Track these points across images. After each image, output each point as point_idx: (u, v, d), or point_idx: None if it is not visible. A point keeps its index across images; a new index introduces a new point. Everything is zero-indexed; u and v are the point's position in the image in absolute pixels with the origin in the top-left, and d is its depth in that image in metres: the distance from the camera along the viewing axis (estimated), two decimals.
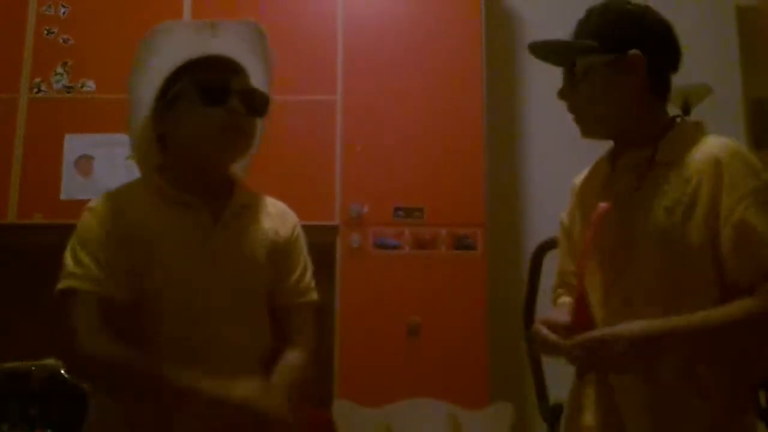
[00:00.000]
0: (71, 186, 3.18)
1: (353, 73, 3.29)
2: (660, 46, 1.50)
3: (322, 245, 1.85)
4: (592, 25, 1.48)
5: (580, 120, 1.50)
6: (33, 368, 2.36)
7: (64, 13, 3.35)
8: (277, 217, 1.50)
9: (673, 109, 1.52)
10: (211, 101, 1.36)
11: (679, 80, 3.86)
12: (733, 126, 3.62)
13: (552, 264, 2.37)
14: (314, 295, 1.50)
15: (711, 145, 1.40)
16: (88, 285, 1.31)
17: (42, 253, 3.07)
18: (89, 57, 3.30)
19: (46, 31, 3.32)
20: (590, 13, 1.51)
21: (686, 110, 3.49)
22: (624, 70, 1.43)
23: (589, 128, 1.50)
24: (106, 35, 3.32)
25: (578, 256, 1.46)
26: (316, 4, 3.38)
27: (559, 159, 3.63)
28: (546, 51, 1.54)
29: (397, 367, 3.02)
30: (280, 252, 1.46)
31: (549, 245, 2.36)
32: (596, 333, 1.27)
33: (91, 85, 3.28)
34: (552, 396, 2.39)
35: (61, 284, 1.33)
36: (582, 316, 1.31)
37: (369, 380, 2.98)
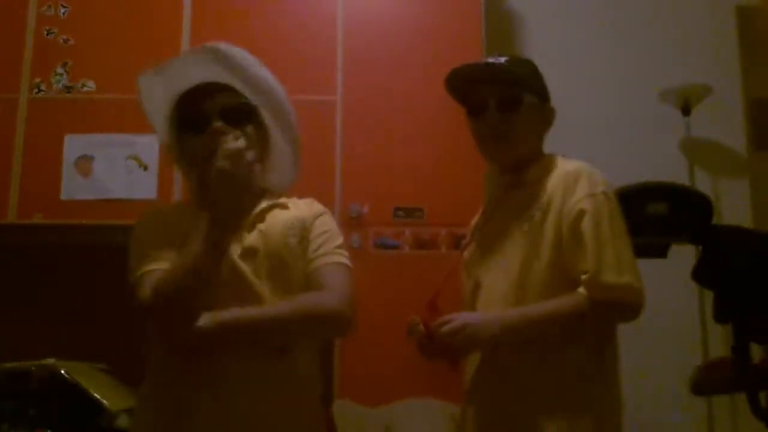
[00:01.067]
0: (71, 186, 3.18)
1: (353, 73, 3.29)
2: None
3: None
4: (523, 71, 1.71)
5: (510, 145, 1.69)
6: (33, 368, 2.35)
7: (64, 13, 3.35)
8: (304, 206, 1.58)
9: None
10: (194, 130, 1.44)
11: (679, 80, 3.87)
12: (733, 126, 3.62)
13: None
14: (340, 259, 1.54)
15: (567, 164, 1.65)
16: (160, 265, 1.38)
17: (42, 253, 3.08)
18: (89, 57, 3.30)
19: (46, 31, 3.32)
20: (517, 61, 1.75)
21: (686, 110, 3.50)
22: (544, 117, 1.73)
23: (511, 154, 1.69)
24: (106, 35, 3.32)
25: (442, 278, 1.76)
26: (316, 4, 3.38)
27: None
28: (498, 76, 1.71)
29: (398, 367, 3.01)
30: (306, 233, 1.52)
31: None
32: (458, 320, 1.58)
33: (91, 85, 3.28)
34: None
35: (139, 271, 1.40)
36: (434, 314, 1.67)
37: (369, 380, 2.98)
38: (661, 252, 2.21)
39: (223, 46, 1.51)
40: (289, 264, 1.47)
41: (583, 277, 1.49)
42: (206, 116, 1.43)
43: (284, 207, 1.55)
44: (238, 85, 1.50)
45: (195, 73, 1.49)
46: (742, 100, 3.64)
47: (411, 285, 3.11)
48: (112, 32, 3.31)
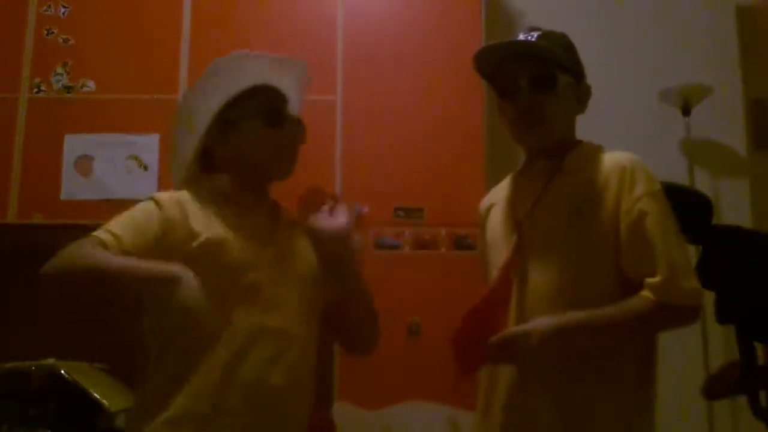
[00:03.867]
0: (71, 186, 3.18)
1: (353, 73, 3.29)
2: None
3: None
4: (558, 48, 1.57)
5: (545, 128, 1.56)
6: (33, 368, 2.36)
7: (64, 13, 3.35)
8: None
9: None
10: (274, 124, 1.53)
11: (679, 80, 3.87)
12: (733, 126, 3.62)
13: None
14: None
15: (617, 156, 1.54)
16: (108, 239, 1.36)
17: (42, 253, 3.07)
18: (89, 57, 3.30)
19: (46, 31, 3.32)
20: (550, 35, 1.59)
21: (686, 110, 3.50)
22: (579, 97, 1.62)
23: (547, 138, 1.57)
24: (106, 35, 3.32)
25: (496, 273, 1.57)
26: (316, 4, 3.38)
27: None
28: (529, 53, 1.57)
29: (398, 367, 3.01)
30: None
31: None
32: (509, 331, 1.43)
33: (91, 85, 3.28)
34: None
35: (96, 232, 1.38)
36: (492, 318, 1.48)
37: (369, 381, 2.98)
38: None
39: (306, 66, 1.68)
40: (313, 275, 1.53)
41: (651, 280, 1.39)
42: (282, 117, 1.55)
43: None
44: (296, 104, 1.64)
45: (276, 76, 1.60)
46: (742, 100, 3.64)
47: (411, 285, 3.11)
48: (112, 32, 3.31)
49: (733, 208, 3.50)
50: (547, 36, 1.58)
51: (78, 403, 2.30)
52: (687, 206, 2.16)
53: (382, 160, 3.21)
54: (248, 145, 1.52)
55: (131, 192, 3.04)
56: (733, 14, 3.71)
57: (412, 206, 3.18)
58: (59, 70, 3.29)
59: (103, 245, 1.33)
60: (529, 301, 1.48)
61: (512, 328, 1.44)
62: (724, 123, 3.62)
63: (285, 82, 1.60)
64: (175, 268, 1.28)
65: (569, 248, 1.47)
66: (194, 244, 1.38)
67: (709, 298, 2.73)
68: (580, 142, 1.62)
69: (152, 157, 3.10)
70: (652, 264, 1.40)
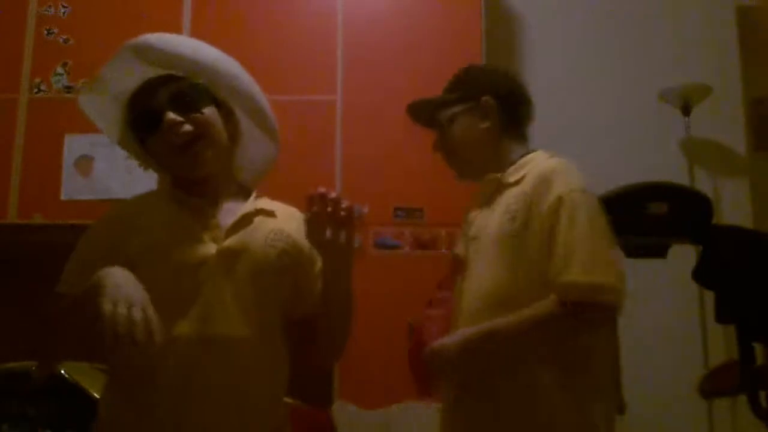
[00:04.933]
0: (71, 186, 3.18)
1: (353, 73, 3.29)
2: (510, 93, 1.74)
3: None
4: (453, 83, 1.76)
5: (453, 165, 1.76)
6: (33, 368, 2.35)
7: (64, 13, 3.35)
8: (295, 223, 1.49)
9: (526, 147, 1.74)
10: (149, 131, 1.41)
11: (679, 80, 3.87)
12: (733, 126, 3.62)
13: None
14: None
15: (543, 163, 1.59)
16: (67, 289, 1.38)
17: (42, 253, 3.07)
18: (89, 57, 3.30)
19: (46, 31, 3.32)
20: (454, 74, 1.78)
21: (686, 110, 3.50)
22: (480, 115, 1.67)
23: (462, 171, 1.74)
24: (106, 35, 3.31)
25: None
26: (316, 4, 3.38)
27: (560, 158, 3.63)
28: (417, 113, 1.83)
29: (398, 367, 3.01)
30: (298, 257, 1.46)
31: None
32: (429, 347, 1.50)
33: None
34: None
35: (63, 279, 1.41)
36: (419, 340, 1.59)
37: (369, 381, 2.98)
38: (661, 252, 2.21)
39: (141, 39, 1.43)
40: (263, 272, 1.40)
41: (557, 279, 1.42)
42: (156, 112, 1.38)
43: (273, 214, 1.49)
44: (176, 69, 1.43)
45: (130, 75, 1.44)
46: (742, 100, 3.64)
47: (411, 285, 3.11)
48: (112, 32, 3.30)
49: (733, 208, 3.50)
50: (449, 85, 1.79)
51: (78, 403, 2.30)
52: (687, 206, 2.16)
53: (382, 160, 3.21)
54: (152, 155, 1.47)
55: (131, 192, 3.00)
56: (733, 14, 3.71)
57: (412, 206, 3.18)
58: (59, 70, 3.29)
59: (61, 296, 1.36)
60: (462, 313, 1.57)
61: (433, 343, 1.51)
62: (724, 123, 3.62)
63: (160, 62, 1.43)
64: (101, 272, 1.21)
65: (499, 262, 1.52)
66: (130, 253, 1.32)
67: (708, 297, 2.74)
68: (527, 154, 1.67)
69: None
70: (558, 265, 1.43)
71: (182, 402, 1.29)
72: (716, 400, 3.13)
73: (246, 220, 1.43)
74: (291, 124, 3.22)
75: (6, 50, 3.31)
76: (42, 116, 3.24)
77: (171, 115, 1.36)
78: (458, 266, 1.65)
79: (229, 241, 1.39)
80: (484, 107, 1.67)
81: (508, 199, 1.56)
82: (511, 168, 1.62)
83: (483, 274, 1.55)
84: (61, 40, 3.32)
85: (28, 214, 3.15)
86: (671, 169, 3.30)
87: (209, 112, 1.42)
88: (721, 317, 2.12)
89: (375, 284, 3.09)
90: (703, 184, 3.44)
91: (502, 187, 1.60)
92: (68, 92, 3.27)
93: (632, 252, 2.16)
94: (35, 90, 3.27)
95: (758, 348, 2.13)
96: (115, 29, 3.31)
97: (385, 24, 3.37)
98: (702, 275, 2.14)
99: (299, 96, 3.25)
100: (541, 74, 3.75)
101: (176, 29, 3.30)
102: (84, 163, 3.19)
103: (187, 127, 1.38)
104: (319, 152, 3.21)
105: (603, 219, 1.49)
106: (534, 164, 1.60)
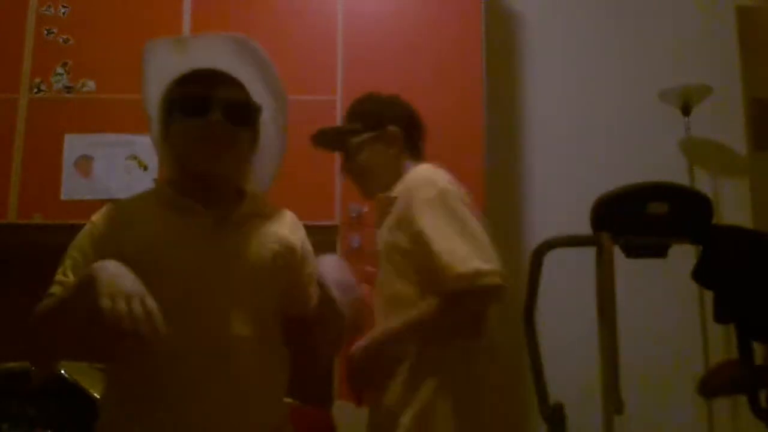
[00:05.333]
0: (71, 186, 3.18)
1: (353, 73, 3.29)
2: (410, 120, 1.94)
3: (321, 245, 1.86)
4: (356, 113, 1.92)
5: (361, 186, 1.91)
6: (33, 368, 2.35)
7: (64, 13, 3.35)
8: (287, 225, 1.51)
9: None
10: (192, 113, 1.39)
11: (679, 80, 3.87)
12: (733, 126, 3.63)
13: (552, 264, 2.38)
14: None
15: (409, 175, 1.78)
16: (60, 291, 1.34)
17: (42, 253, 3.07)
18: (89, 57, 3.30)
19: (46, 31, 3.32)
20: (353, 104, 1.96)
21: (686, 110, 3.50)
22: (386, 142, 1.86)
23: (371, 191, 1.89)
24: (106, 35, 3.32)
25: None
26: (316, 4, 3.38)
27: (560, 158, 3.63)
28: (324, 140, 1.96)
29: None
30: (291, 258, 1.46)
31: (549, 245, 2.36)
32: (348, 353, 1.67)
33: (91, 85, 3.28)
34: (552, 396, 2.39)
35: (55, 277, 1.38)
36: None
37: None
38: (661, 252, 2.21)
39: (252, 41, 1.49)
40: (257, 273, 1.41)
41: (436, 276, 1.57)
42: (208, 104, 1.38)
43: (268, 216, 1.49)
44: (252, 82, 1.47)
45: (215, 55, 1.44)
46: (742, 100, 3.64)
47: None
48: (112, 32, 3.31)
49: (733, 208, 3.50)
50: (348, 113, 1.96)
51: (78, 403, 2.30)
52: (687, 206, 2.17)
53: None
54: (174, 140, 1.43)
55: (131, 192, 3.03)
56: (733, 14, 3.71)
57: None
58: (59, 70, 3.29)
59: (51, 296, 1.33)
60: (376, 320, 1.74)
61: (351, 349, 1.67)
62: (724, 123, 3.62)
63: (231, 65, 1.45)
64: (93, 266, 1.20)
65: (392, 266, 1.70)
66: (124, 253, 1.28)
67: (708, 297, 2.73)
68: (408, 170, 1.83)
69: (152, 157, 3.09)
70: (439, 263, 1.58)
71: (183, 403, 1.29)
72: (716, 400, 3.14)
73: (241, 222, 1.43)
74: (291, 124, 3.21)
75: (6, 50, 3.31)
76: (42, 116, 3.24)
77: (221, 117, 1.38)
78: (371, 280, 1.81)
79: (225, 243, 1.39)
80: (391, 136, 1.86)
81: (391, 212, 1.74)
82: (398, 184, 1.78)
83: (382, 282, 1.74)
84: (61, 40, 3.32)
85: (28, 214, 3.15)
86: (671, 169, 3.30)
87: (247, 132, 1.46)
88: (721, 317, 2.12)
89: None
90: (703, 184, 3.44)
91: (390, 202, 1.76)
92: (68, 92, 3.27)
93: (632, 252, 2.17)
94: (35, 90, 3.27)
95: (758, 348, 2.13)
96: (115, 29, 3.31)
97: (385, 24, 3.36)
98: (702, 275, 2.14)
99: (299, 96, 3.24)
100: (541, 74, 3.76)
101: (176, 29, 3.30)
102: (84, 163, 3.19)
103: (227, 135, 1.40)
104: (319, 152, 3.20)
105: (465, 211, 1.66)
106: (407, 177, 1.78)
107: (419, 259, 1.62)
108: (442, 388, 1.61)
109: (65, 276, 1.35)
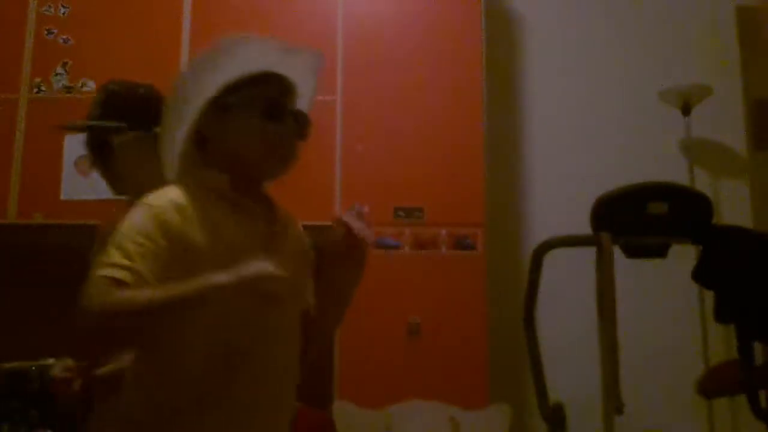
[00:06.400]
0: (71, 186, 3.17)
1: (353, 73, 3.29)
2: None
3: (322, 245, 1.86)
4: (116, 109, 1.81)
5: (113, 186, 1.82)
6: (33, 368, 2.35)
7: (64, 13, 3.35)
8: (298, 224, 1.53)
9: None
10: (271, 117, 1.39)
11: (679, 80, 3.87)
12: (733, 126, 3.63)
13: (552, 264, 2.38)
14: None
15: None
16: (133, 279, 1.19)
17: (42, 253, 3.07)
18: (89, 57, 3.30)
19: (46, 31, 3.32)
20: (108, 96, 1.83)
21: (686, 110, 3.50)
22: (152, 143, 1.55)
23: (126, 189, 1.78)
24: (106, 35, 3.32)
25: None
26: (316, 4, 3.38)
27: (559, 159, 3.63)
28: (79, 130, 1.87)
29: (398, 367, 3.01)
30: (307, 258, 1.50)
31: (549, 245, 2.36)
32: None
33: (91, 85, 3.28)
34: (552, 396, 2.39)
35: (103, 272, 1.19)
36: None
37: (369, 381, 2.98)
38: (661, 252, 2.22)
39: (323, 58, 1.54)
40: (305, 277, 1.46)
41: None
42: (286, 111, 1.41)
43: (291, 218, 1.52)
44: (308, 98, 1.50)
45: (285, 64, 1.46)
46: (742, 100, 3.65)
47: (411, 285, 3.11)
48: (112, 32, 3.31)
49: (733, 208, 3.50)
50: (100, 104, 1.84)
51: (78, 403, 2.30)
52: (687, 206, 2.17)
53: (382, 160, 3.21)
54: (241, 137, 1.38)
55: None
56: (733, 14, 3.71)
57: (412, 206, 3.18)
58: (59, 70, 3.29)
59: (119, 284, 1.17)
60: None
61: None
62: (724, 123, 3.62)
63: (296, 73, 1.47)
64: (246, 268, 1.17)
65: None
66: (206, 253, 1.25)
67: (708, 297, 2.73)
68: None
69: None
70: None
71: (252, 412, 1.30)
72: (716, 400, 3.13)
73: (282, 224, 1.45)
74: None
75: (6, 50, 3.31)
76: (42, 116, 3.24)
77: (295, 127, 1.40)
78: None
79: (281, 247, 1.39)
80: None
81: None
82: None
83: None
84: (61, 40, 3.32)
85: (28, 214, 3.14)
86: (671, 169, 3.30)
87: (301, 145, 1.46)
88: (721, 317, 2.12)
89: (375, 284, 3.09)
90: (703, 184, 3.44)
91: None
92: (68, 92, 3.27)
93: (632, 252, 2.17)
94: (35, 90, 3.27)
95: (758, 348, 2.13)
96: (115, 29, 3.31)
97: (385, 25, 3.37)
98: (702, 275, 2.14)
99: None
100: (541, 74, 3.76)
101: (176, 29, 3.30)
102: (84, 163, 3.19)
103: (295, 145, 1.42)
104: (319, 152, 3.21)
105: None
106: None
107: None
108: None
109: (131, 261, 1.20)
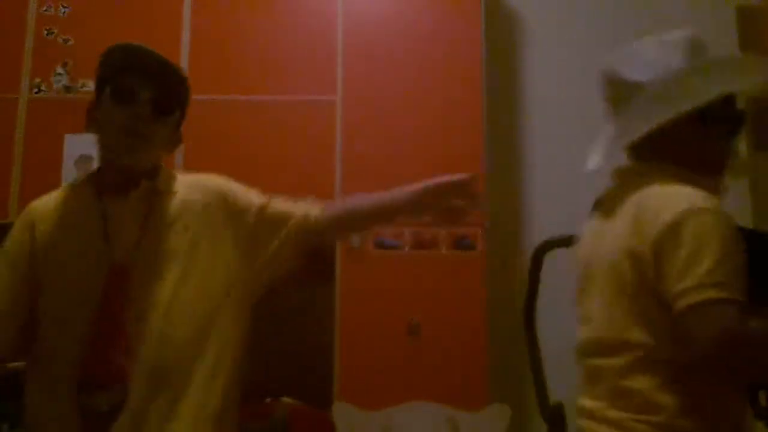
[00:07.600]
0: None
1: (353, 73, 3.29)
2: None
3: (322, 245, 1.86)
4: (178, 86, 1.65)
5: (138, 148, 1.57)
6: None
7: (64, 13, 3.35)
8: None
9: None
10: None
11: None
12: None
13: (552, 264, 2.38)
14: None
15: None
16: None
17: None
18: (89, 57, 3.27)
19: (46, 31, 3.33)
20: (171, 72, 1.67)
21: None
22: (177, 126, 1.59)
23: (143, 158, 1.59)
24: (106, 35, 3.31)
25: None
26: (316, 4, 3.38)
27: (559, 159, 3.63)
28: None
29: (398, 367, 3.01)
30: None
31: (549, 245, 2.35)
32: None
33: (91, 85, 3.27)
34: (552, 396, 2.39)
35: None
36: None
37: (369, 381, 2.98)
38: None
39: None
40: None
41: None
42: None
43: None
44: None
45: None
46: (742, 100, 3.64)
47: (411, 285, 3.11)
48: (112, 32, 3.30)
49: (733, 208, 3.49)
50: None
51: None
52: None
53: (382, 160, 3.21)
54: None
55: None
56: (733, 14, 3.71)
57: None
58: (59, 70, 3.29)
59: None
60: None
61: None
62: None
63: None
64: None
65: None
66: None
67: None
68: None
69: None
70: None
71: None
72: None
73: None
74: (291, 124, 3.23)
75: (6, 50, 3.31)
76: (42, 116, 3.24)
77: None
78: None
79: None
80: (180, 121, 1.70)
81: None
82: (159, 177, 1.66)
83: None
84: (61, 40, 3.32)
85: None
86: None
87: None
88: None
89: (375, 284, 3.10)
90: None
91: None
92: (68, 92, 3.27)
93: None
94: (35, 90, 3.27)
95: None
96: (115, 29, 3.31)
97: (385, 24, 3.37)
98: None
99: (299, 96, 3.25)
100: (541, 74, 3.75)
101: (176, 29, 3.30)
102: (84, 163, 3.19)
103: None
104: (319, 152, 3.21)
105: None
106: (172, 174, 1.68)
107: None
108: None
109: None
